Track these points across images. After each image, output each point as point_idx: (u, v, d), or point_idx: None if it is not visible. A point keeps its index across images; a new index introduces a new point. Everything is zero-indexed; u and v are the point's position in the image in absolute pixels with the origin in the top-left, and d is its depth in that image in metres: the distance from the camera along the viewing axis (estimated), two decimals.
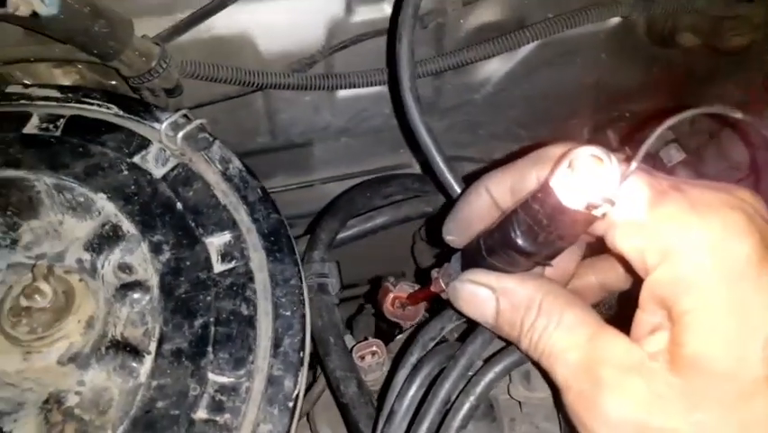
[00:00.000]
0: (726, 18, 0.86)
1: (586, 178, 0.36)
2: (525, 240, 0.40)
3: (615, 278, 0.55)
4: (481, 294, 0.47)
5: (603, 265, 0.55)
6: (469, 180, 0.62)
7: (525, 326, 0.44)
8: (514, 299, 0.45)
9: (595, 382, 0.39)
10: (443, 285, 0.55)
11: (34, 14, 0.46)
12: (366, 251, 0.92)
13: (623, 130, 1.09)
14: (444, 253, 0.56)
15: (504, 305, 0.46)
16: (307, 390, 0.73)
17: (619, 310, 0.63)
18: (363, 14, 0.81)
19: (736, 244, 0.36)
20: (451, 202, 0.61)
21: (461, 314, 0.50)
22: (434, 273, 0.56)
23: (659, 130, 0.36)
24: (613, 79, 0.99)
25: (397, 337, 0.79)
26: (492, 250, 0.45)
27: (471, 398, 0.51)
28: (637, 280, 0.41)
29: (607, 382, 0.39)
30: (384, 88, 0.89)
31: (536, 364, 0.45)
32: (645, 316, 0.40)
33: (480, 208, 0.50)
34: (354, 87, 0.82)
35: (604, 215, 0.37)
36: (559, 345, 0.42)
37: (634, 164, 0.35)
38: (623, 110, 1.07)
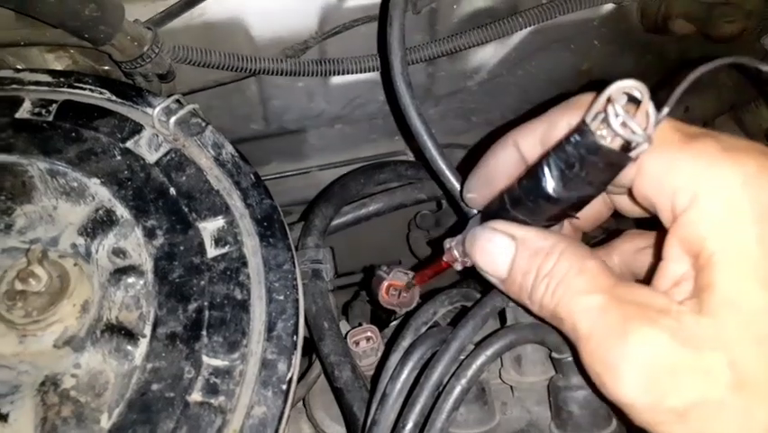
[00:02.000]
0: (718, 5, 0.86)
1: (623, 114, 0.34)
2: (557, 185, 0.39)
3: (612, 266, 0.55)
4: (500, 241, 0.45)
5: (600, 254, 0.55)
6: (462, 168, 0.62)
7: (543, 271, 0.42)
8: (534, 245, 0.44)
9: (622, 319, 0.37)
10: (456, 255, 0.54)
11: None
12: (361, 239, 0.92)
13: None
14: (452, 229, 0.55)
15: (521, 253, 0.44)
16: (304, 375, 0.73)
17: None
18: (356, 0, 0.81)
19: (767, 184, 0.35)
20: (446, 191, 0.60)
21: (474, 273, 0.49)
22: (447, 243, 0.55)
23: (691, 77, 0.35)
24: (606, 66, 0.99)
25: (392, 323, 0.80)
26: (518, 200, 0.43)
27: (463, 381, 0.51)
28: (662, 234, 0.40)
29: (636, 322, 0.37)
30: (378, 75, 0.89)
31: (547, 322, 0.43)
32: (670, 266, 0.39)
33: (506, 163, 0.48)
34: (348, 72, 0.82)
35: (637, 156, 0.36)
36: (581, 288, 0.40)
37: (666, 109, 0.35)
38: None
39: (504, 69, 0.95)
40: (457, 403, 0.51)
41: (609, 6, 0.88)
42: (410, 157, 1.04)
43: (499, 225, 0.46)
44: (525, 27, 0.82)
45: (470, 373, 0.51)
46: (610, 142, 0.35)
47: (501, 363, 0.59)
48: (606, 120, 0.35)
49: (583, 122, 0.36)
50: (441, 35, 0.85)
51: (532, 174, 0.41)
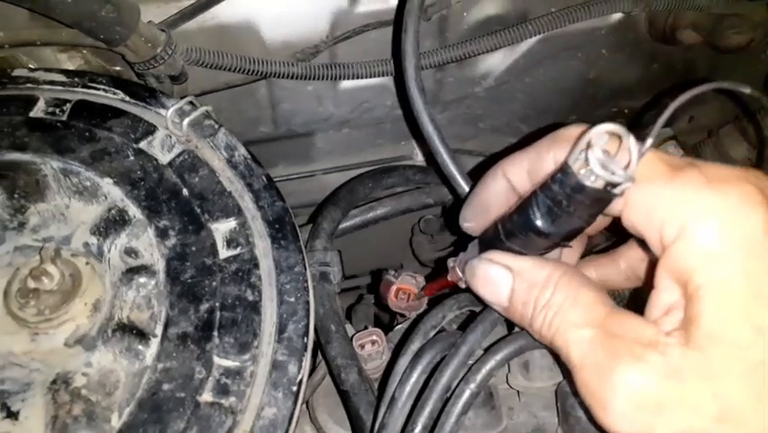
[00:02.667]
0: (726, 16, 0.87)
1: (604, 156, 0.36)
2: (545, 221, 0.41)
3: (614, 275, 0.55)
4: (498, 273, 0.47)
5: (603, 261, 0.56)
6: (473, 174, 0.63)
7: (540, 303, 0.44)
8: (530, 278, 0.45)
9: (612, 355, 0.39)
10: (459, 274, 0.55)
11: None
12: (364, 243, 0.92)
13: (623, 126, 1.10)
14: (457, 245, 0.56)
15: (519, 284, 0.46)
16: (308, 377, 0.74)
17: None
18: (367, 5, 0.82)
19: (752, 215, 0.36)
20: (458, 197, 0.61)
21: (475, 296, 0.50)
22: (450, 262, 0.57)
23: (672, 106, 0.36)
24: (614, 75, 1.00)
25: (396, 327, 0.80)
26: (511, 233, 0.45)
27: (472, 385, 0.52)
28: (654, 261, 0.40)
29: (624, 355, 0.38)
30: (387, 80, 0.90)
31: (547, 348, 0.45)
32: (661, 295, 0.40)
33: (497, 193, 0.50)
34: (358, 77, 0.82)
35: (623, 192, 0.37)
36: (575, 321, 0.41)
37: (649, 141, 0.35)
38: (622, 106, 1.07)
39: (512, 76, 0.95)
40: (466, 407, 0.52)
41: (618, 16, 0.89)
42: (417, 161, 1.04)
43: (496, 256, 0.48)
44: (535, 35, 0.83)
45: (479, 377, 0.51)
46: (594, 181, 0.37)
47: (509, 368, 0.60)
48: (588, 162, 0.36)
49: (566, 163, 0.37)
50: (450, 41, 0.86)
51: (522, 211, 0.43)
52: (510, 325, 0.60)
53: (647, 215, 0.40)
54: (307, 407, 0.76)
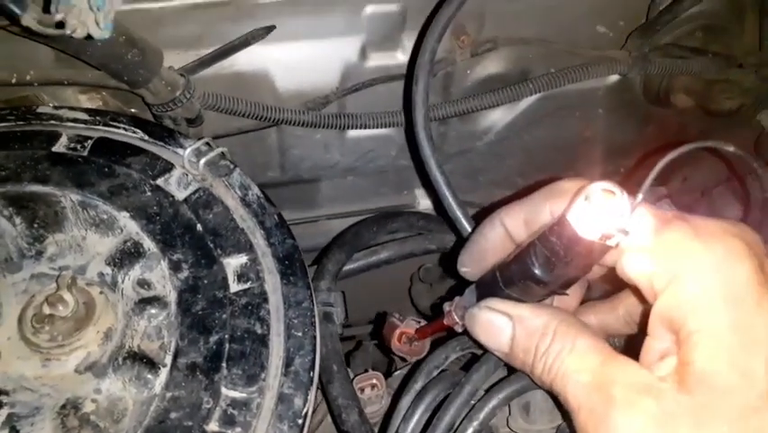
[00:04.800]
0: (718, 81, 0.91)
1: (600, 211, 0.38)
2: (543, 271, 0.43)
3: (614, 321, 0.57)
4: (498, 321, 0.50)
5: (603, 308, 0.58)
6: (476, 218, 0.65)
7: (540, 350, 0.46)
8: (530, 326, 0.47)
9: (606, 400, 0.41)
10: (456, 318, 0.57)
11: (88, 37, 0.49)
12: (364, 292, 0.94)
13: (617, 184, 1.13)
14: (453, 290, 0.58)
15: (519, 332, 0.48)
16: None
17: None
18: (377, 60, 0.86)
19: (737, 267, 0.39)
20: (461, 239, 0.64)
21: (475, 342, 0.52)
22: (447, 307, 0.58)
23: (660, 164, 0.39)
24: (609, 134, 1.03)
25: (396, 373, 0.81)
26: (509, 281, 0.47)
27: (475, 423, 0.53)
28: (647, 309, 0.43)
29: (618, 401, 0.40)
30: (391, 131, 0.93)
31: (548, 392, 0.47)
32: (655, 342, 0.42)
33: (494, 240, 0.53)
34: (365, 127, 0.86)
35: (617, 244, 0.39)
36: (572, 367, 0.44)
37: (640, 195, 0.38)
38: (618, 165, 1.11)
39: (511, 133, 0.99)
40: None
41: (615, 78, 0.94)
42: (419, 209, 1.07)
43: (495, 304, 0.51)
44: (534, 93, 0.87)
45: (482, 415, 0.52)
46: (590, 233, 0.39)
47: (509, 411, 0.60)
48: (585, 216, 0.39)
49: (564, 216, 0.40)
50: (454, 97, 0.89)
51: (520, 260, 0.45)
52: (511, 367, 0.61)
53: (639, 266, 0.42)
54: None
